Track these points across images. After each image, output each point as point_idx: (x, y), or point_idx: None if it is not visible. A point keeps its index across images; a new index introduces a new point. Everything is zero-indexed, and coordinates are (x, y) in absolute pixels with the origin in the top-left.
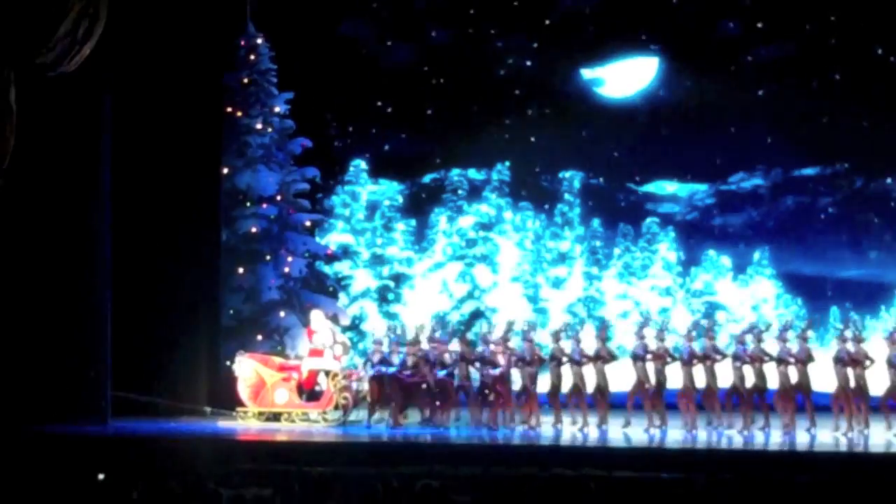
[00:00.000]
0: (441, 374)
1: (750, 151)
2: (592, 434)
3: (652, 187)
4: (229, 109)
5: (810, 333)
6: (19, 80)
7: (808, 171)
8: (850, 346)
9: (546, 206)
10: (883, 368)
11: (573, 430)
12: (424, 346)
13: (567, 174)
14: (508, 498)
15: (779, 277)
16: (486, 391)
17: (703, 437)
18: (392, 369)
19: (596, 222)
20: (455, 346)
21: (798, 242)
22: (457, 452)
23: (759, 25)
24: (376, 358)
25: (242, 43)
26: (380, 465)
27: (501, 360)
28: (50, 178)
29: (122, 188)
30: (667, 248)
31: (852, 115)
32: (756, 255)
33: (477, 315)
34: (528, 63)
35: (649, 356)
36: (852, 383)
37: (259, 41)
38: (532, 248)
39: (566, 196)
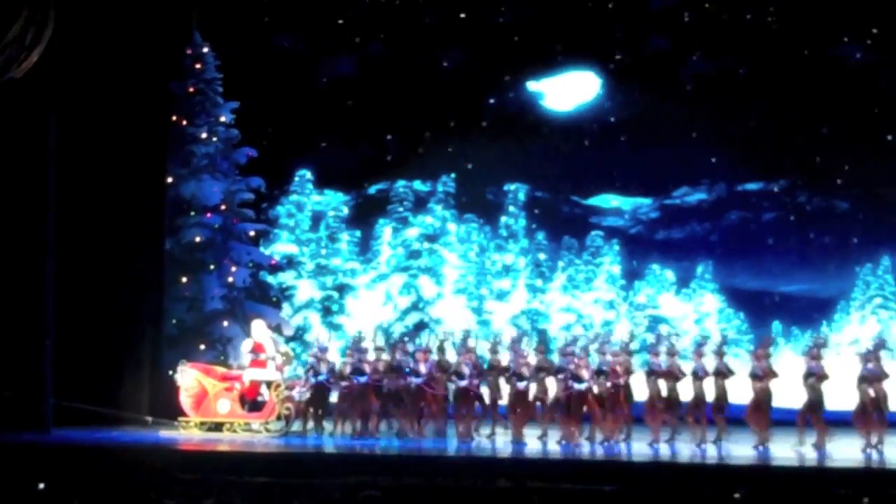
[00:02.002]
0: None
1: (694, 166)
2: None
3: (596, 201)
4: (174, 118)
5: (725, 349)
6: None
7: (752, 187)
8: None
9: (491, 219)
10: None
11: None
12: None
13: (512, 187)
14: None
15: (721, 291)
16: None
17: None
18: (363, 378)
19: (540, 235)
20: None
21: (741, 257)
22: (399, 464)
23: (695, 42)
24: (348, 368)
25: (188, 52)
26: (322, 475)
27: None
28: None
29: (66, 197)
30: (610, 262)
31: (796, 131)
32: (699, 269)
33: (421, 326)
34: (472, 76)
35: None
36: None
37: (205, 50)
38: (476, 260)
39: (511, 209)
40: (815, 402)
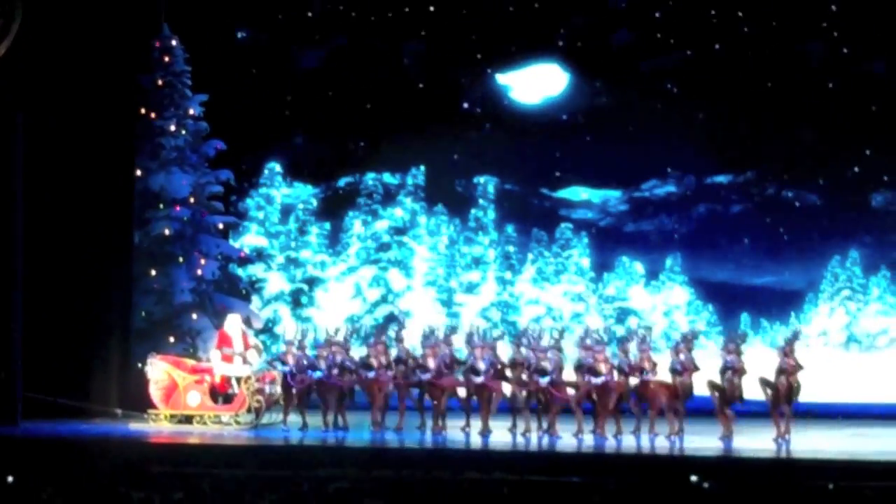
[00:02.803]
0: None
1: (663, 159)
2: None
3: (566, 193)
4: (143, 111)
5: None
6: None
7: (721, 179)
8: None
9: (460, 211)
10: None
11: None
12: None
13: (481, 179)
14: (421, 501)
15: (691, 284)
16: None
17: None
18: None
19: (510, 227)
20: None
21: (710, 249)
22: (369, 456)
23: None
24: (339, 358)
25: (157, 44)
26: (292, 468)
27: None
28: None
29: (34, 189)
30: (580, 254)
31: (765, 123)
32: (668, 262)
33: (391, 319)
34: (440, 68)
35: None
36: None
37: (173, 43)
38: (446, 252)
39: (480, 201)
40: (729, 396)
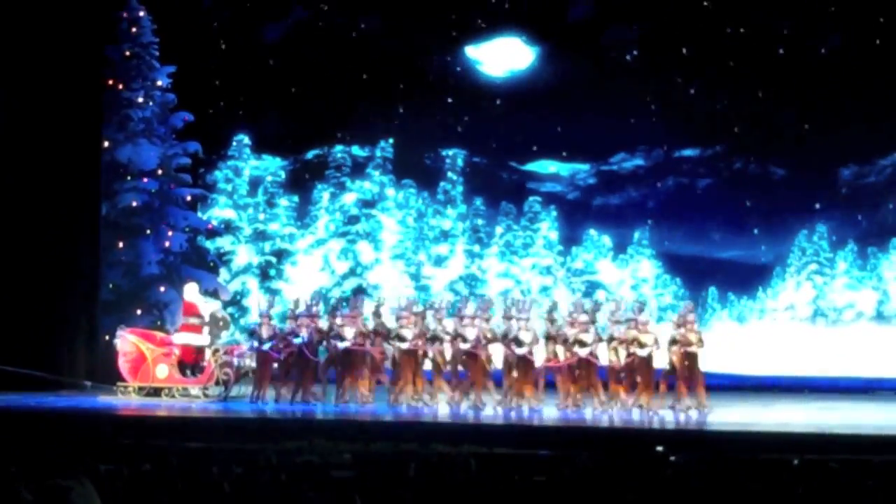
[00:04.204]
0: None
1: (631, 133)
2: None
3: (534, 166)
4: (110, 82)
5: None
6: None
7: (688, 153)
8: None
9: (429, 184)
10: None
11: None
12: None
13: (450, 152)
14: (388, 474)
15: (658, 257)
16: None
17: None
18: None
19: (478, 201)
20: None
21: (678, 223)
22: (336, 428)
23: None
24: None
25: (124, 15)
26: (260, 440)
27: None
28: None
29: (1, 162)
30: (548, 227)
31: (733, 97)
32: (636, 235)
33: (359, 291)
34: (407, 41)
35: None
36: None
37: (141, 14)
38: (414, 225)
39: (449, 174)
40: (679, 368)
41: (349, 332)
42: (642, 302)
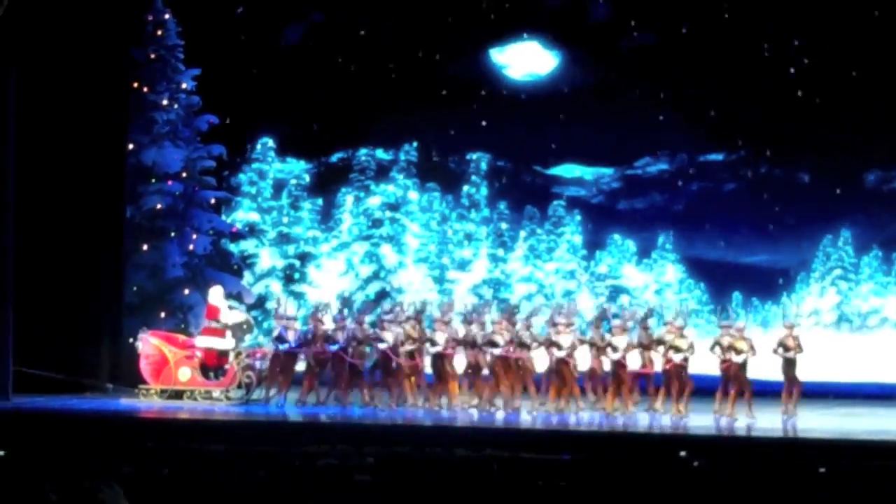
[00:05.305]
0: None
1: (656, 136)
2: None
3: (558, 170)
4: (136, 85)
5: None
6: None
7: (713, 157)
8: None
9: (453, 188)
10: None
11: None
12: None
13: (474, 156)
14: (410, 478)
15: (682, 262)
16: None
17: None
18: (335, 347)
19: (502, 204)
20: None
21: (702, 227)
22: (359, 432)
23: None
24: (320, 333)
25: (150, 18)
26: (282, 444)
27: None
28: None
29: (26, 163)
30: (572, 232)
31: (758, 101)
32: (660, 240)
33: (383, 295)
34: (433, 44)
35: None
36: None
37: (166, 16)
38: (438, 229)
39: (473, 177)
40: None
41: (441, 338)
42: (651, 308)
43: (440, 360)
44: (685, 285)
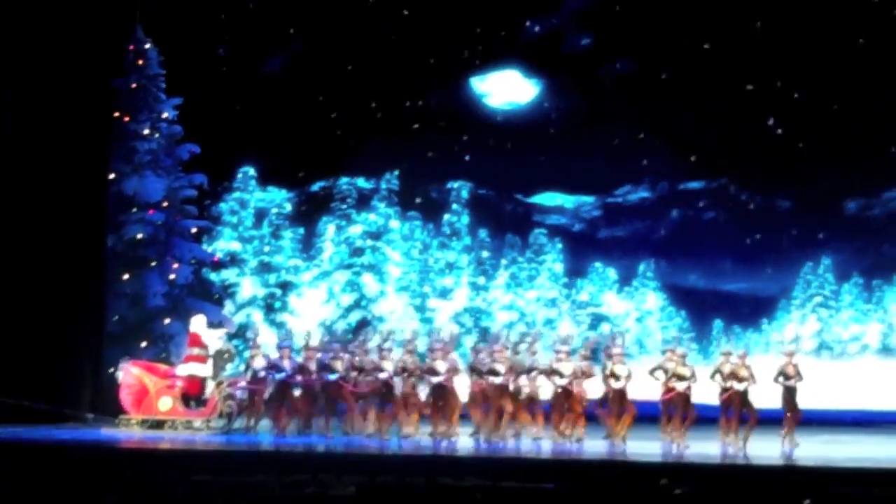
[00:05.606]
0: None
1: (636, 165)
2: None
3: (539, 199)
4: (117, 114)
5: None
6: None
7: (694, 185)
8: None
9: (434, 216)
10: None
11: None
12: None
13: (455, 184)
14: None
15: (664, 289)
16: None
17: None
18: (334, 376)
19: (483, 233)
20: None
21: (683, 255)
22: (340, 461)
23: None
24: (313, 364)
25: (131, 48)
26: (265, 472)
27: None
28: None
29: (7, 192)
30: (553, 260)
31: (739, 130)
32: (641, 268)
33: (364, 324)
34: (412, 73)
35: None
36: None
37: (147, 46)
38: (419, 257)
39: (454, 206)
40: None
41: (442, 367)
42: (619, 332)
43: (441, 389)
44: (666, 313)
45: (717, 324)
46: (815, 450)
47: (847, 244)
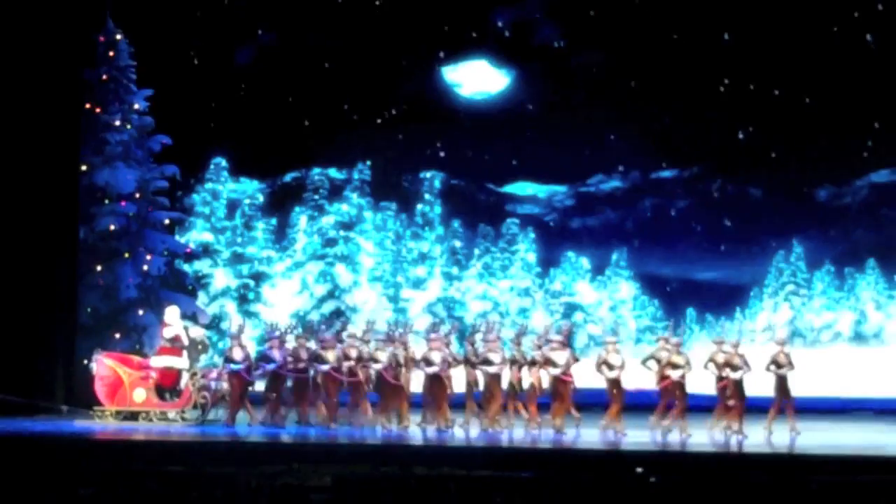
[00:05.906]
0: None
1: (608, 154)
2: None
3: (512, 188)
4: (88, 106)
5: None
6: None
7: (666, 174)
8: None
9: (407, 207)
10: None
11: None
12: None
13: (428, 174)
14: (367, 497)
15: (636, 278)
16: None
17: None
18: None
19: (456, 223)
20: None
21: (656, 244)
22: (314, 452)
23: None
24: (304, 353)
25: (101, 39)
26: (239, 464)
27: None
28: None
29: None
30: (526, 249)
31: (710, 119)
32: (614, 257)
33: (337, 314)
34: (385, 63)
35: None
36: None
37: (118, 37)
38: (393, 247)
39: (427, 196)
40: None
41: (437, 358)
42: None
43: (436, 380)
44: (639, 302)
45: (690, 312)
46: (786, 438)
47: (819, 232)
